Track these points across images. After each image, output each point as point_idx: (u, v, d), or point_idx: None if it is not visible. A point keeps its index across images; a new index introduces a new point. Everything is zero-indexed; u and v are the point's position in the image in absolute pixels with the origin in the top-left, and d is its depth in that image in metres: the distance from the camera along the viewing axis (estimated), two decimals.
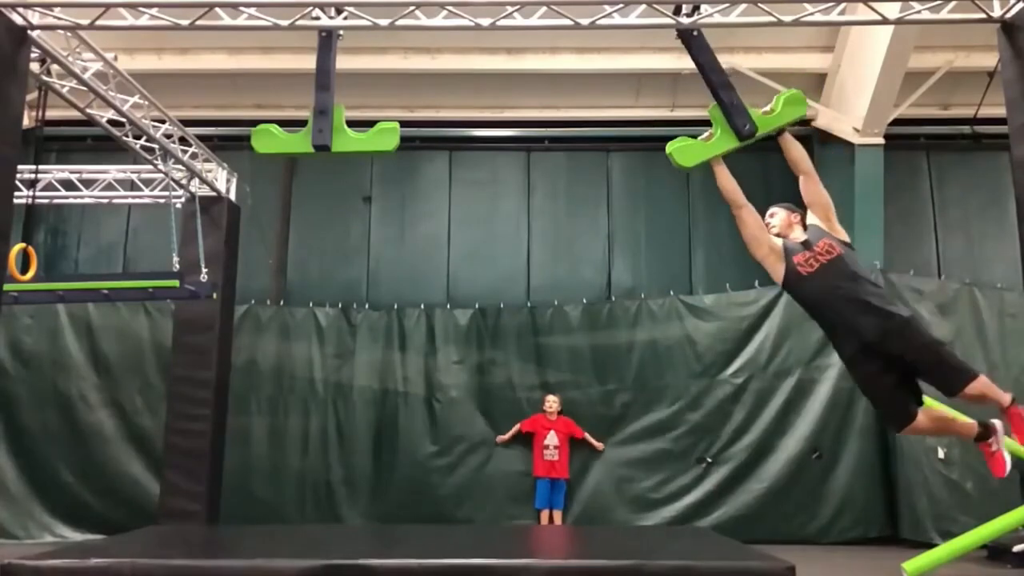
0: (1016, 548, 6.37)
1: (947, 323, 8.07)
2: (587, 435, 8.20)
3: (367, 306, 9.07)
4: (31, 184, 7.05)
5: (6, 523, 7.97)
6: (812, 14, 4.85)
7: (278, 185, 9.73)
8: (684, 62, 5.63)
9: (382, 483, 8.37)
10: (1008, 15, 4.67)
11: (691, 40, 4.56)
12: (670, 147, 4.36)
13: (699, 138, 4.39)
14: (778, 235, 4.35)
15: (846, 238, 4.32)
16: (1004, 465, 4.13)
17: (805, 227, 4.36)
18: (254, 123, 4.59)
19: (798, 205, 4.45)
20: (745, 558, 4.31)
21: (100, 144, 8.94)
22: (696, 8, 4.71)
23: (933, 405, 5.77)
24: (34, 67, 5.16)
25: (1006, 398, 4.06)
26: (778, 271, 4.24)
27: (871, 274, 4.27)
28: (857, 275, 4.15)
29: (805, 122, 9.54)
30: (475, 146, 10.07)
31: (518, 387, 8.55)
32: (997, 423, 4.18)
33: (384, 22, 4.90)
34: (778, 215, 4.42)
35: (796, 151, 4.36)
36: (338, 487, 8.37)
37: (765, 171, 9.68)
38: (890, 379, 4.05)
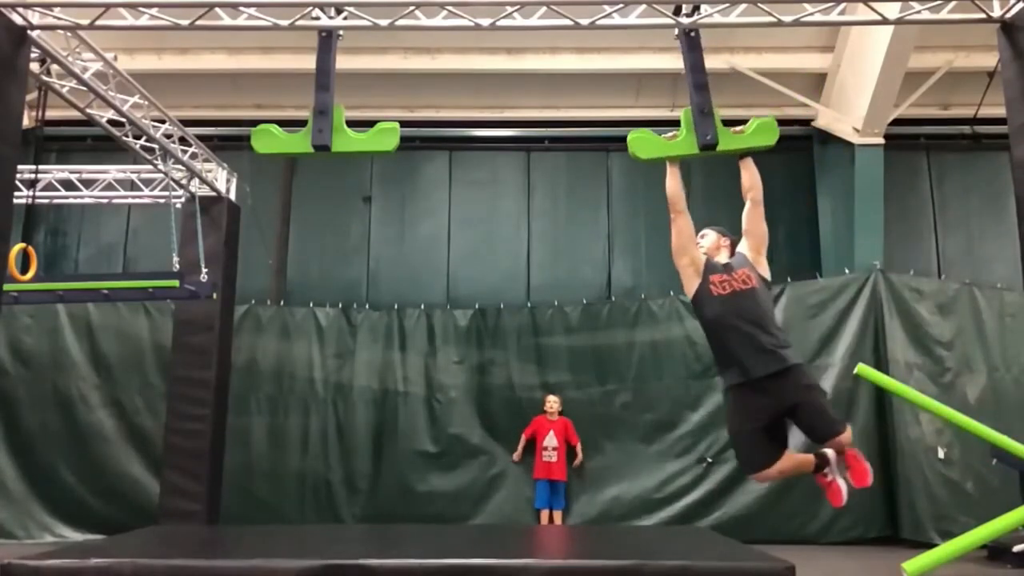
0: (1016, 548, 6.37)
1: (947, 323, 8.08)
2: (578, 446, 8.17)
3: (367, 306, 9.07)
4: (31, 184, 7.05)
5: (6, 523, 7.97)
6: (812, 14, 4.85)
7: (278, 185, 9.74)
8: None
9: (382, 483, 8.37)
10: (1008, 15, 4.68)
11: (687, 38, 4.57)
12: (632, 135, 4.38)
13: (663, 135, 4.40)
14: (705, 254, 4.41)
15: (767, 275, 4.36)
16: (841, 494, 4.30)
17: (733, 253, 4.43)
18: (254, 123, 4.59)
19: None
20: (745, 558, 4.31)
21: (100, 144, 8.95)
22: (696, 8, 4.71)
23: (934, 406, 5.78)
24: (34, 67, 5.16)
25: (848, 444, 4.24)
26: (692, 284, 4.31)
27: (775, 315, 4.33)
28: (763, 313, 4.21)
29: (805, 122, 9.56)
30: (475, 146, 10.08)
31: (518, 387, 8.55)
32: (830, 452, 4.30)
33: (384, 22, 4.90)
34: (709, 236, 4.50)
35: (752, 178, 4.42)
36: (338, 487, 8.37)
37: (765, 172, 9.73)
38: (762, 420, 4.13)
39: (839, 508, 4.39)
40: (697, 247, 4.40)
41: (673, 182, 4.38)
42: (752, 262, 4.33)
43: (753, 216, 4.41)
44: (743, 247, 4.42)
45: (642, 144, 4.37)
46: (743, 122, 4.44)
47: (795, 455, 4.36)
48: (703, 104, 4.35)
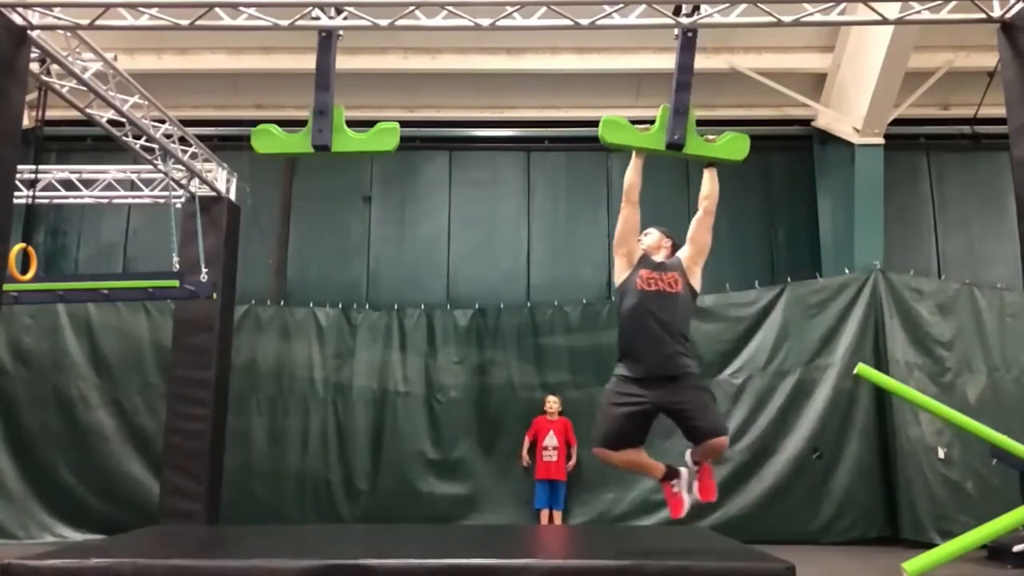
0: (1016, 548, 6.37)
1: (947, 323, 8.08)
2: (575, 448, 8.15)
3: (367, 306, 9.07)
4: (31, 184, 7.05)
5: (6, 523, 7.97)
6: (812, 14, 4.85)
7: (278, 185, 9.73)
8: None
9: (382, 483, 8.37)
10: (1008, 15, 4.67)
11: (684, 37, 4.58)
12: (606, 118, 4.41)
13: (637, 127, 4.42)
14: (644, 250, 4.47)
15: (697, 287, 4.40)
16: (682, 508, 4.39)
17: (671, 255, 4.49)
18: (254, 123, 4.59)
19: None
20: (745, 558, 4.32)
21: (100, 144, 8.95)
22: (696, 8, 4.71)
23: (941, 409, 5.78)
24: (34, 67, 5.16)
25: (707, 460, 4.34)
26: (622, 274, 4.37)
27: (689, 326, 4.39)
28: (678, 320, 4.27)
29: (805, 122, 9.56)
30: (475, 146, 10.07)
31: (518, 387, 8.55)
32: (684, 471, 4.40)
33: (384, 22, 4.90)
34: (653, 235, 4.56)
35: (712, 188, 4.49)
36: (338, 487, 8.37)
37: (765, 171, 9.73)
38: (634, 411, 4.18)
39: (677, 518, 4.50)
40: (638, 242, 4.47)
41: (633, 173, 4.44)
42: (686, 269, 4.39)
43: (702, 225, 4.47)
44: (683, 253, 4.48)
45: (613, 129, 4.40)
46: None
47: (646, 457, 4.41)
48: (680, 104, 4.37)
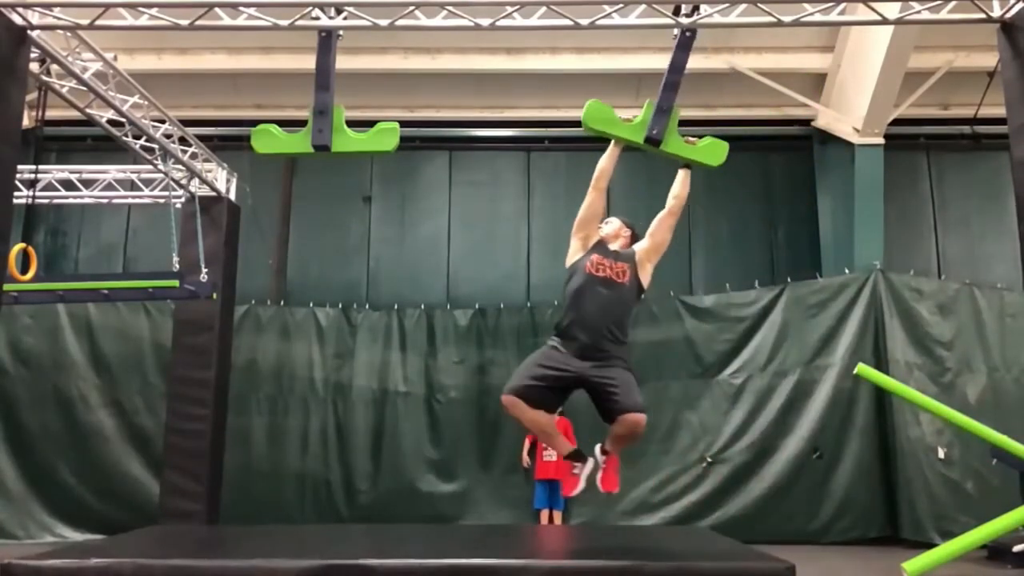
0: (1016, 548, 6.37)
1: (947, 323, 8.08)
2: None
3: (367, 306, 9.08)
4: (31, 184, 7.05)
5: (6, 523, 7.97)
6: (812, 14, 4.86)
7: (278, 185, 9.74)
8: None
9: (382, 483, 8.37)
10: (1008, 15, 4.68)
11: (682, 36, 4.59)
12: (592, 102, 4.43)
13: (622, 117, 4.45)
14: (602, 237, 4.49)
15: (645, 284, 4.42)
16: (574, 489, 4.34)
17: (628, 245, 4.51)
18: (254, 123, 4.59)
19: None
20: (745, 558, 4.31)
21: (100, 144, 8.95)
22: (696, 8, 4.71)
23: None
24: (34, 67, 5.16)
25: (619, 449, 4.31)
26: (576, 254, 4.42)
27: (629, 320, 4.38)
28: (619, 311, 4.28)
29: (805, 122, 9.55)
30: (475, 146, 10.07)
31: None
32: (591, 460, 4.36)
33: (384, 22, 4.90)
34: (612, 223, 4.58)
35: (682, 189, 4.54)
36: (338, 487, 8.38)
37: (765, 172, 9.73)
38: (556, 373, 4.18)
39: (568, 497, 4.54)
40: (597, 228, 4.50)
41: (607, 161, 4.51)
42: (638, 262, 4.41)
43: (664, 223, 4.51)
44: (640, 246, 4.50)
45: (597, 115, 4.42)
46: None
47: (555, 427, 4.43)
48: (665, 102, 4.40)
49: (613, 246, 4.46)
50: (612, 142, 4.47)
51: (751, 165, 9.56)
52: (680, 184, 4.54)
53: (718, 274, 9.12)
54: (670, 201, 4.52)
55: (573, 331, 4.21)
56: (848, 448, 7.96)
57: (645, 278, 4.41)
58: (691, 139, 4.47)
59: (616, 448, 4.31)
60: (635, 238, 4.56)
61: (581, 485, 4.32)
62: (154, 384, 8.34)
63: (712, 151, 4.47)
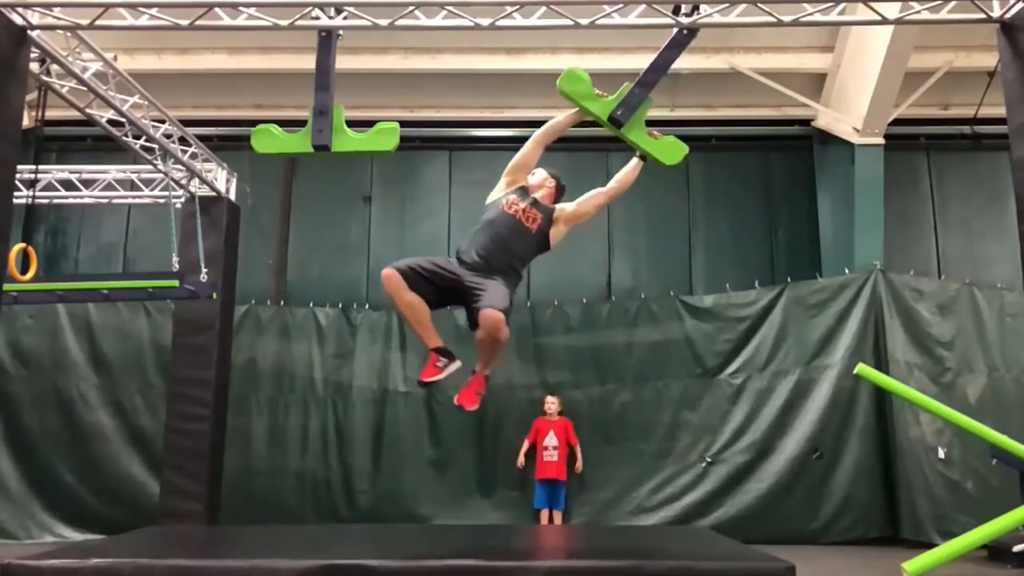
0: (1016, 548, 6.37)
1: (947, 323, 8.08)
2: (578, 448, 8.15)
3: (367, 306, 9.07)
4: (31, 184, 7.06)
5: (6, 523, 7.97)
6: (812, 14, 4.86)
7: (278, 185, 9.73)
8: (684, 62, 5.63)
9: (382, 483, 8.36)
10: (1008, 15, 4.68)
11: (678, 34, 4.60)
12: (571, 69, 4.57)
13: (595, 90, 4.58)
14: (524, 185, 4.63)
15: (552, 242, 4.56)
16: (431, 376, 4.39)
17: (553, 201, 4.65)
18: (254, 123, 4.59)
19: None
20: (745, 558, 4.31)
21: (100, 144, 8.94)
22: (696, 8, 4.71)
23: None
24: (34, 67, 5.16)
25: (488, 367, 4.46)
26: (499, 193, 4.62)
27: (525, 262, 4.61)
28: (520, 249, 4.46)
29: (805, 122, 9.55)
30: (475, 146, 10.06)
31: (518, 387, 8.54)
32: (458, 363, 4.45)
33: (384, 22, 4.91)
34: (539, 174, 4.71)
35: (627, 177, 4.66)
36: (337, 487, 8.37)
37: (765, 171, 9.73)
38: (442, 273, 4.44)
39: (468, 408, 4.54)
40: (525, 177, 4.64)
41: (560, 122, 4.70)
42: (554, 219, 4.54)
43: (595, 199, 4.67)
44: (562, 206, 4.63)
45: (572, 82, 4.55)
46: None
47: (428, 318, 4.53)
48: (638, 95, 4.54)
49: (535, 195, 4.59)
50: (576, 110, 4.58)
51: (751, 165, 9.56)
52: (629, 172, 4.65)
53: (718, 274, 9.11)
54: (611, 183, 4.66)
55: (471, 253, 4.39)
56: (848, 448, 7.96)
57: (555, 237, 4.56)
58: (655, 132, 4.52)
59: (483, 363, 4.43)
60: (559, 191, 4.70)
61: (437, 376, 4.40)
62: (154, 384, 8.34)
63: (670, 149, 4.53)
